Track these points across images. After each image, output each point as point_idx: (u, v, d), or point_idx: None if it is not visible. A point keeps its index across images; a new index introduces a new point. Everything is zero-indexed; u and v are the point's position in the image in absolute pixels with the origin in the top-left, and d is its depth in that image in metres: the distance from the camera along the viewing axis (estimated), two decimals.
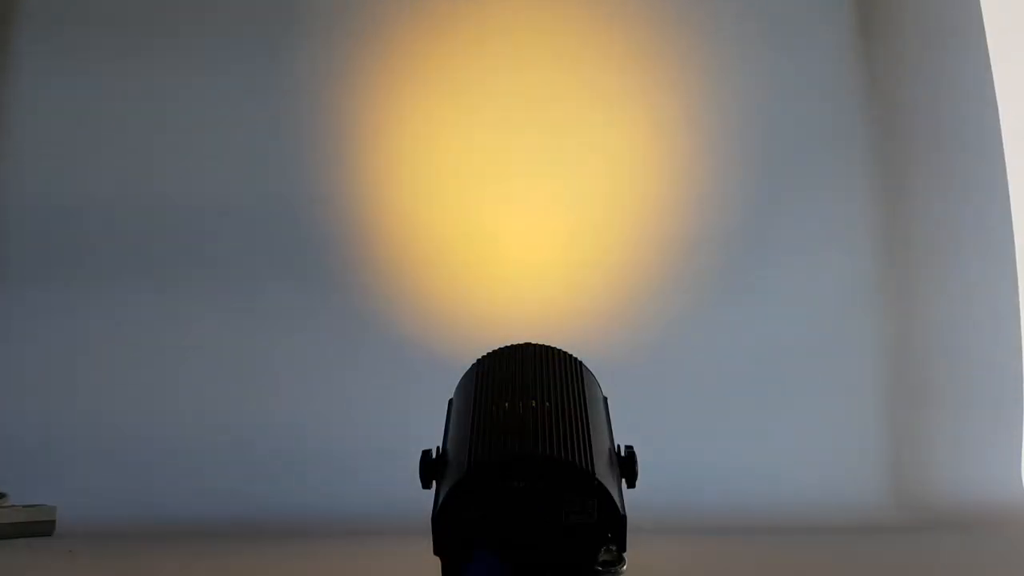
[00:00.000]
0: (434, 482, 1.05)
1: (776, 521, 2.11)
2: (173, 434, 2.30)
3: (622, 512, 1.00)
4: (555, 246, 2.48)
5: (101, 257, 2.42)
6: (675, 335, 2.40)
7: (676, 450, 2.16)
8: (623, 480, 1.07)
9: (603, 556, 1.00)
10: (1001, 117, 2.44)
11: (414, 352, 2.36)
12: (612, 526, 1.00)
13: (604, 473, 1.02)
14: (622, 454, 1.09)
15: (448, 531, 1.00)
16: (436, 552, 1.01)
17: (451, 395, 1.20)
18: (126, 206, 2.44)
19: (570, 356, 1.22)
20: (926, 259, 2.45)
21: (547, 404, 1.08)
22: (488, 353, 1.22)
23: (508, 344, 1.23)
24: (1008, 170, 2.42)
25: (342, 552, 1.84)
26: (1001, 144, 2.43)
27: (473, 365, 1.21)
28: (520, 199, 2.49)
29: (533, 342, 1.24)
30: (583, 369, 1.21)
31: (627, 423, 1.21)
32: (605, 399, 1.20)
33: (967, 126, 2.47)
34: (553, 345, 1.23)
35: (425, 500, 1.04)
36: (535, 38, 2.54)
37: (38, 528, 2.03)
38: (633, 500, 1.06)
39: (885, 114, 2.50)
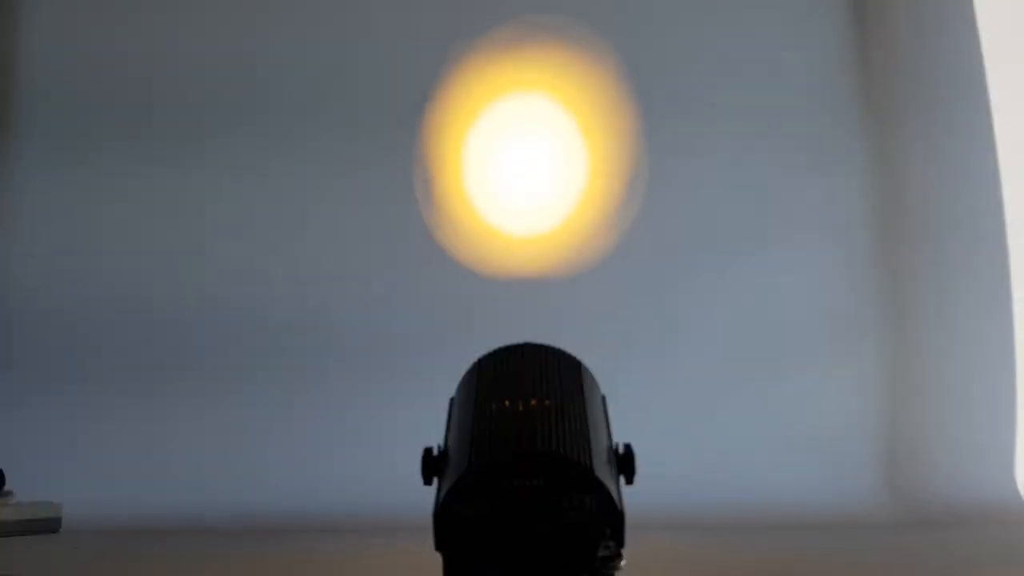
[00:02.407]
0: (435, 479, 1.06)
1: (773, 518, 2.12)
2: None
3: (621, 508, 1.02)
4: (553, 245, 2.49)
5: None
6: (672, 331, 2.41)
7: (673, 447, 2.18)
8: (621, 477, 1.08)
9: (602, 552, 1.01)
10: (994, 108, 2.45)
11: None
12: (611, 522, 1.01)
13: (603, 470, 1.03)
14: (620, 452, 1.10)
15: (449, 528, 1.01)
16: (437, 548, 1.02)
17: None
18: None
19: (570, 356, 1.23)
20: (923, 257, 2.46)
21: (547, 402, 1.10)
22: (489, 353, 1.24)
23: (508, 344, 1.25)
24: (1001, 161, 2.43)
25: (343, 548, 1.85)
26: (994, 134, 2.44)
27: (474, 364, 1.23)
28: (521, 197, 2.50)
29: (533, 342, 1.25)
30: (582, 368, 1.22)
31: (625, 421, 1.22)
32: (604, 397, 1.21)
33: (961, 115, 2.48)
34: (553, 345, 1.25)
35: (427, 493, 1.06)
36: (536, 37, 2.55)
37: (44, 525, 2.04)
38: (632, 497, 1.07)
39: (880, 103, 2.51)
